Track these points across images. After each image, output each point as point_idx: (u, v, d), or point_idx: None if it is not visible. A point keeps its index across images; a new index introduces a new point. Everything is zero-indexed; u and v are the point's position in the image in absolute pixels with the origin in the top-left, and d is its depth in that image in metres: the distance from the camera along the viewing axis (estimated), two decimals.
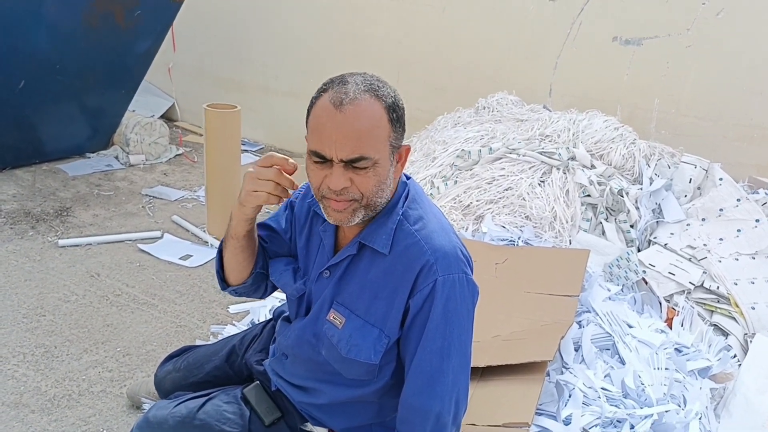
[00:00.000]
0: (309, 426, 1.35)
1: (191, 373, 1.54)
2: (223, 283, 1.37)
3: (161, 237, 3.12)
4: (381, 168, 1.08)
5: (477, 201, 2.49)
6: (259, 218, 1.29)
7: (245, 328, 2.07)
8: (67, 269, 2.77)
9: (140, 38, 3.75)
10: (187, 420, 1.31)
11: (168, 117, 4.95)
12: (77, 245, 2.98)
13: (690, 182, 2.64)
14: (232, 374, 1.52)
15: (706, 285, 2.30)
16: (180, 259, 2.92)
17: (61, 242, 2.97)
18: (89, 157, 4.09)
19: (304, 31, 4.46)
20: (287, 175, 1.17)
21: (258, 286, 1.37)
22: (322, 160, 1.07)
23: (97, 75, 3.73)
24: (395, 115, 1.09)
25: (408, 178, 1.23)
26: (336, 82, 1.08)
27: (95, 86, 3.79)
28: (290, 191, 1.19)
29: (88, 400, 2.02)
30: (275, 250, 1.36)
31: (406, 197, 1.19)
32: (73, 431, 1.89)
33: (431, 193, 2.71)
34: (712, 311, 2.25)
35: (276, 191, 1.16)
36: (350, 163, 1.06)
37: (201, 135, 4.73)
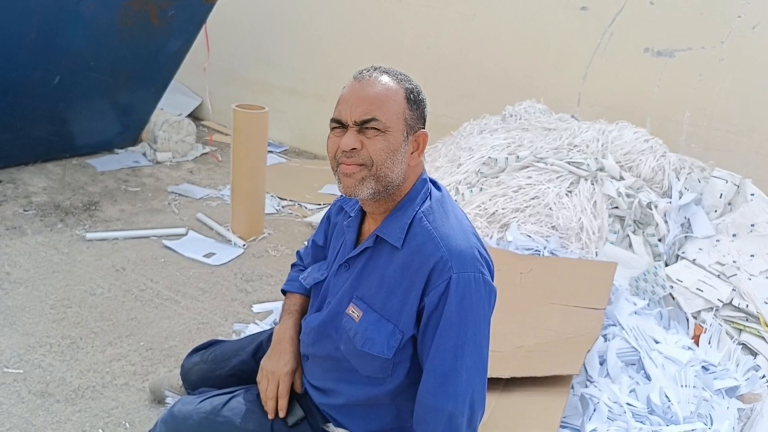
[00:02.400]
0: (331, 427, 1.35)
1: (218, 366, 1.55)
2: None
3: (186, 234, 3.16)
4: (392, 137, 1.15)
5: (503, 209, 2.48)
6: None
7: (268, 327, 2.09)
8: (93, 262, 2.82)
9: (172, 38, 3.81)
10: (210, 416, 1.32)
11: (195, 116, 5.02)
12: (104, 239, 3.03)
13: (720, 197, 2.59)
14: (258, 371, 1.53)
15: (734, 303, 2.25)
16: (204, 256, 2.95)
17: (89, 236, 3.02)
18: (118, 153, 4.16)
19: (332, 35, 4.49)
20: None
21: None
22: (339, 125, 1.17)
23: (129, 72, 3.80)
24: (412, 97, 1.18)
25: (436, 184, 1.27)
26: (363, 68, 1.22)
27: (127, 83, 3.85)
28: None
29: (111, 392, 2.05)
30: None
31: (429, 196, 1.22)
32: (95, 422, 1.91)
33: (456, 200, 2.70)
34: (741, 330, 2.20)
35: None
36: (363, 126, 1.14)
37: (227, 135, 4.79)
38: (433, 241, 1.15)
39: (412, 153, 1.19)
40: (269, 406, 1.32)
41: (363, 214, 1.31)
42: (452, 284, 1.12)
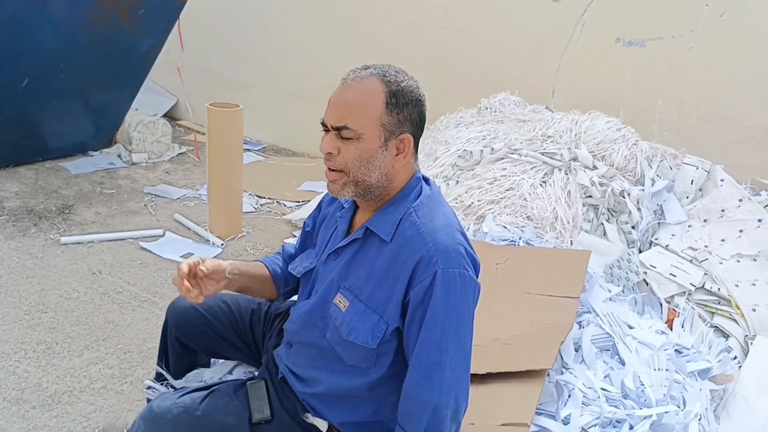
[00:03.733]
0: (309, 417, 1.36)
1: (213, 300, 1.53)
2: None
3: (163, 235, 3.13)
4: (365, 144, 1.16)
5: (478, 201, 2.49)
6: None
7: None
8: (68, 266, 2.78)
9: (144, 37, 3.76)
10: (190, 410, 1.32)
11: (170, 116, 4.96)
12: (79, 243, 2.99)
13: (692, 184, 2.64)
14: (248, 328, 1.55)
15: (707, 287, 2.30)
16: (181, 257, 2.93)
17: (63, 240, 2.98)
18: (92, 155, 4.10)
19: (308, 32, 4.47)
20: (186, 282, 1.25)
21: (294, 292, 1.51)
22: (324, 127, 1.20)
23: (100, 73, 3.74)
24: (395, 100, 1.16)
25: (427, 179, 1.29)
26: (360, 66, 1.21)
27: (98, 85, 3.80)
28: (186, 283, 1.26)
29: (89, 397, 2.03)
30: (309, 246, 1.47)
31: (421, 193, 1.24)
32: (73, 427, 1.90)
33: None
34: (713, 313, 2.25)
35: (186, 295, 1.27)
36: (338, 131, 1.16)
37: (203, 134, 4.74)
38: (421, 237, 1.17)
39: (396, 156, 1.19)
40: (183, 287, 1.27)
41: (356, 206, 1.33)
42: (438, 279, 1.14)
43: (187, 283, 1.26)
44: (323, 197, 1.45)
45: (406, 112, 1.18)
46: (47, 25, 3.29)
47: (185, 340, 1.56)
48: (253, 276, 1.43)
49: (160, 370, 1.60)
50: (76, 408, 1.97)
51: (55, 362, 2.17)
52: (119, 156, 4.13)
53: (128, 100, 4.08)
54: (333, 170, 1.19)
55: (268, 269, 1.47)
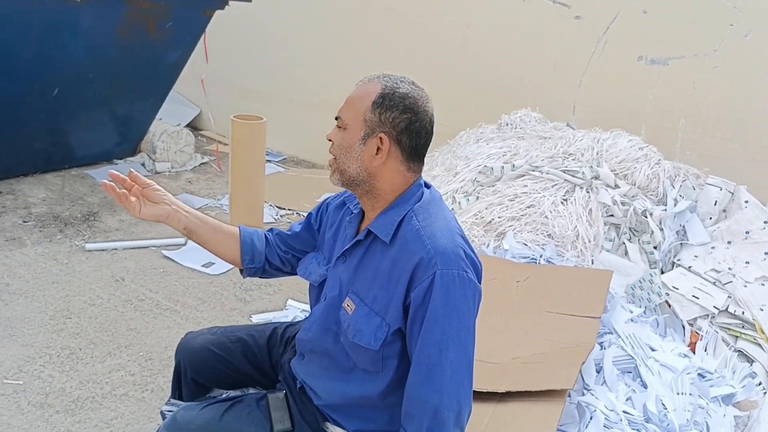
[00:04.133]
0: (329, 427, 1.37)
1: (227, 337, 1.54)
2: (241, 271, 1.53)
3: (185, 244, 3.17)
4: (347, 135, 1.25)
5: (499, 217, 2.50)
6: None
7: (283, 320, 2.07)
8: (93, 273, 2.83)
9: (170, 49, 3.84)
10: (213, 421, 1.34)
11: (193, 126, 5.04)
12: (103, 250, 3.04)
13: (715, 204, 2.61)
14: (266, 355, 1.54)
15: (730, 310, 2.27)
16: (202, 266, 2.97)
17: (88, 246, 3.04)
18: (117, 164, 4.18)
19: (330, 45, 4.52)
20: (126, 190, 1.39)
21: (263, 274, 1.52)
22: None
23: (127, 84, 3.82)
24: (381, 101, 1.22)
25: (428, 186, 1.32)
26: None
27: (125, 95, 3.88)
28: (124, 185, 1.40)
29: (110, 403, 2.05)
30: (298, 246, 1.49)
31: (421, 197, 1.27)
32: None
33: (452, 208, 2.72)
34: (737, 337, 2.21)
35: (125, 203, 1.38)
36: (337, 120, 1.27)
37: (225, 144, 4.81)
38: (420, 239, 1.20)
39: (375, 155, 1.23)
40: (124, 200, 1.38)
41: (363, 213, 1.36)
42: (437, 280, 1.16)
43: (126, 191, 1.37)
44: (331, 199, 1.47)
45: (390, 114, 1.22)
46: (79, 36, 3.38)
47: (201, 380, 1.56)
48: (209, 224, 1.45)
49: (178, 402, 1.59)
50: (98, 414, 2.00)
51: (79, 368, 2.21)
52: (143, 164, 4.20)
53: (153, 110, 4.16)
54: (331, 155, 1.29)
55: (240, 234, 1.47)
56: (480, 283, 1.24)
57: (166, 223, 1.41)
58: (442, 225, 1.23)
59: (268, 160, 4.48)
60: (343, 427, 1.36)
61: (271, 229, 1.54)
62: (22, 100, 3.41)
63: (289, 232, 1.51)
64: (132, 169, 1.39)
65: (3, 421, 1.92)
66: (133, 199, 1.38)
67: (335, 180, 1.29)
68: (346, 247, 1.32)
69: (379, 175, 1.26)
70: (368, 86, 1.25)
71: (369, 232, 1.28)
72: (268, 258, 1.48)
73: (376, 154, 1.23)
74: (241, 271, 1.50)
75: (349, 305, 1.28)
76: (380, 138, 1.23)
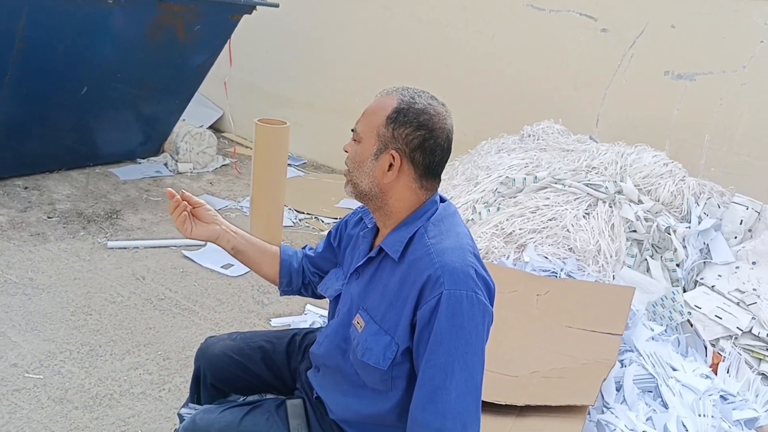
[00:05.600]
0: None
1: (246, 344, 1.55)
2: (280, 289, 1.56)
3: (205, 245, 3.20)
4: (360, 148, 1.24)
5: (520, 229, 2.48)
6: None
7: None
8: (114, 270, 2.87)
9: (198, 52, 3.89)
10: (232, 425, 1.34)
11: (216, 128, 5.09)
12: (125, 248, 3.08)
13: (741, 224, 2.57)
14: (285, 362, 1.54)
15: (754, 331, 2.23)
16: (222, 267, 2.99)
17: (110, 244, 3.08)
18: (140, 163, 4.24)
19: (351, 52, 4.55)
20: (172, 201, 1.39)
21: (307, 288, 1.56)
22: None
23: (154, 84, 3.88)
24: (395, 115, 1.21)
25: (444, 200, 1.30)
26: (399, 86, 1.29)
27: (151, 95, 3.94)
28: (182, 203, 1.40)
29: (128, 401, 2.07)
30: (324, 266, 1.51)
31: (434, 214, 1.25)
32: (112, 430, 1.94)
33: (472, 218, 2.71)
34: (761, 359, 2.17)
35: (176, 216, 1.39)
36: (353, 132, 1.26)
37: (247, 147, 4.85)
38: (429, 256, 1.17)
39: (387, 171, 1.21)
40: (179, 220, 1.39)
41: (377, 228, 1.35)
42: (443, 300, 1.13)
43: (183, 209, 1.38)
44: (349, 216, 1.48)
45: (404, 130, 1.19)
46: (109, 37, 3.44)
47: (220, 385, 1.57)
48: (255, 245, 1.48)
49: (195, 406, 1.60)
50: (115, 411, 2.02)
51: (98, 365, 2.23)
52: (165, 164, 4.25)
53: (178, 111, 4.22)
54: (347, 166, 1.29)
55: (281, 254, 1.51)
56: (492, 305, 1.20)
57: (216, 243, 1.44)
58: (453, 242, 1.20)
59: (289, 164, 4.50)
60: None
61: (304, 248, 1.56)
62: (51, 98, 3.47)
63: (313, 254, 1.53)
64: (184, 190, 1.40)
65: (23, 414, 1.95)
66: (186, 223, 1.40)
67: (349, 191, 1.29)
68: (359, 263, 1.31)
69: (391, 191, 1.24)
70: (385, 100, 1.24)
71: (380, 249, 1.27)
72: (303, 281, 1.52)
73: (388, 170, 1.21)
74: (278, 285, 1.54)
75: (359, 322, 1.26)
76: (392, 155, 1.20)
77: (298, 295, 1.56)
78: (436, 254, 1.17)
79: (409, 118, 1.20)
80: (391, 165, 1.21)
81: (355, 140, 1.25)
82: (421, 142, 1.20)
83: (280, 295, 1.56)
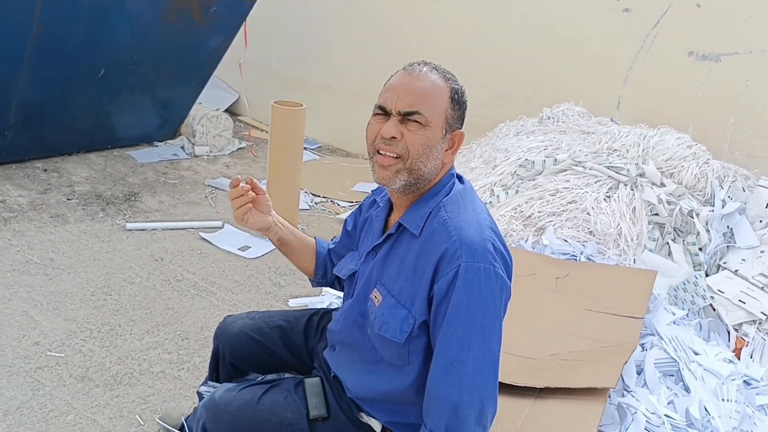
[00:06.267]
0: (363, 416, 1.37)
1: (265, 323, 1.56)
2: (311, 280, 1.57)
3: (222, 227, 3.21)
4: (431, 132, 1.18)
5: (539, 212, 2.45)
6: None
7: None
8: (133, 252, 2.89)
9: (213, 34, 3.87)
10: (251, 403, 1.35)
11: (231, 111, 5.09)
12: (143, 230, 3.10)
13: (766, 207, 2.51)
14: (303, 341, 1.55)
15: None
16: (239, 249, 3.00)
17: (129, 226, 3.10)
18: (157, 146, 4.25)
19: (368, 35, 4.50)
20: (237, 188, 1.35)
21: (332, 285, 1.56)
22: (383, 112, 1.20)
23: (170, 67, 3.88)
24: (456, 97, 1.21)
25: (461, 179, 1.30)
26: (411, 63, 1.24)
27: (168, 78, 3.94)
28: (248, 193, 1.36)
29: (148, 380, 2.10)
30: (342, 252, 1.51)
31: (452, 189, 1.25)
32: (132, 408, 1.96)
33: (490, 201, 2.68)
34: None
35: (238, 204, 1.35)
36: (405, 117, 1.17)
37: (263, 130, 4.85)
38: (446, 230, 1.17)
39: (446, 150, 1.23)
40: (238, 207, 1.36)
41: (390, 206, 1.35)
42: (461, 273, 1.12)
43: (249, 200, 1.35)
44: (364, 201, 1.48)
45: (462, 110, 1.23)
46: (125, 19, 3.43)
47: (239, 364, 1.58)
48: (297, 237, 1.49)
49: (215, 384, 1.61)
50: (135, 390, 2.05)
51: (118, 344, 2.26)
52: (182, 148, 4.26)
53: (194, 94, 4.21)
54: (388, 156, 1.18)
55: (317, 247, 1.52)
56: (510, 279, 1.19)
57: (265, 234, 1.44)
58: (470, 216, 1.19)
59: (305, 148, 4.49)
60: (376, 419, 1.35)
61: (333, 240, 1.57)
62: (69, 81, 3.48)
63: (334, 246, 1.53)
64: (252, 177, 1.38)
65: (46, 392, 1.98)
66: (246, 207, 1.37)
67: (398, 181, 1.19)
68: (377, 242, 1.30)
69: (443, 169, 1.25)
70: (432, 78, 1.20)
71: (399, 225, 1.26)
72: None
73: (447, 150, 1.23)
74: (312, 278, 1.56)
75: (376, 297, 1.26)
76: (459, 135, 1.23)
77: (330, 287, 1.56)
78: (454, 228, 1.17)
79: (462, 98, 1.23)
80: (450, 144, 1.23)
81: (418, 122, 1.16)
82: (465, 116, 1.25)
83: (313, 286, 1.57)
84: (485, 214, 1.23)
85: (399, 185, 1.20)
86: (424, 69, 1.21)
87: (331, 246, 1.54)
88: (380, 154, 1.19)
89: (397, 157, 1.18)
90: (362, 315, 1.31)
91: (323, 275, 1.53)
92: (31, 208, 3.18)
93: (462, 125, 1.25)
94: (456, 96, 1.21)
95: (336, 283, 1.55)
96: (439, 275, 1.15)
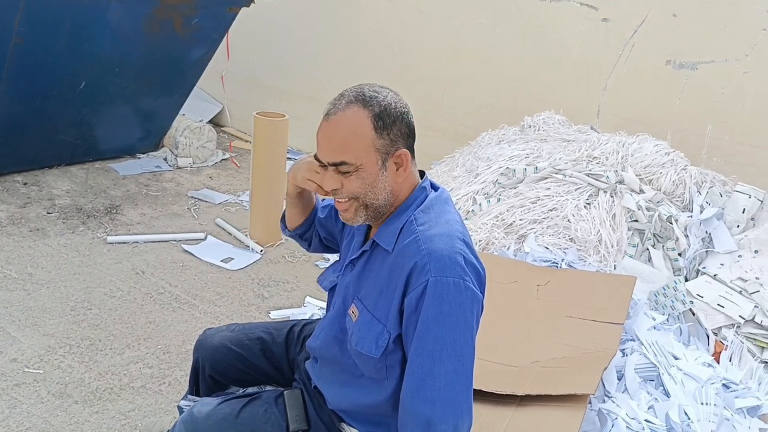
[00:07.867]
0: (344, 427, 1.36)
1: (245, 335, 1.55)
2: (283, 224, 1.57)
3: (204, 239, 3.19)
4: (366, 172, 1.17)
5: (520, 220, 2.47)
6: None
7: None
8: (114, 265, 2.86)
9: (196, 45, 3.87)
10: (230, 417, 1.34)
11: (215, 122, 5.08)
12: (125, 242, 3.08)
13: (743, 212, 2.55)
14: (284, 353, 1.54)
15: (757, 320, 2.21)
16: (222, 261, 2.98)
17: (110, 239, 3.07)
18: (139, 158, 4.23)
19: (352, 44, 4.52)
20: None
21: (305, 239, 1.57)
22: (321, 164, 1.22)
23: (152, 79, 3.86)
24: (382, 122, 1.17)
25: (436, 188, 1.29)
26: (337, 96, 1.22)
27: (150, 90, 3.92)
28: None
29: (128, 395, 2.07)
30: (325, 225, 1.53)
31: (423, 201, 1.24)
32: (112, 424, 1.94)
33: (472, 210, 2.70)
34: (763, 348, 2.16)
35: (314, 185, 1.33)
36: (336, 167, 1.18)
37: (247, 141, 4.84)
38: (416, 244, 1.17)
39: (397, 171, 1.21)
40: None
41: None
42: (429, 287, 1.12)
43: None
44: None
45: (395, 129, 1.18)
46: (107, 31, 3.41)
47: (219, 377, 1.57)
48: (313, 200, 1.52)
49: (194, 398, 1.60)
50: (115, 405, 2.02)
51: (98, 359, 2.23)
52: (165, 159, 4.24)
53: (177, 105, 4.20)
54: (341, 202, 1.22)
55: (315, 209, 1.53)
56: (483, 291, 1.19)
57: (301, 186, 1.38)
58: (442, 229, 1.19)
59: (289, 158, 4.49)
60: (356, 429, 1.34)
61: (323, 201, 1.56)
62: (49, 93, 3.45)
63: (320, 214, 1.53)
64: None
65: (23, 409, 1.95)
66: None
67: (360, 218, 1.22)
68: (353, 256, 1.31)
69: (401, 189, 1.24)
70: (348, 116, 1.16)
71: (374, 242, 1.26)
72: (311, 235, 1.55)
73: (397, 170, 1.21)
74: (284, 228, 1.57)
75: (354, 312, 1.26)
76: (400, 155, 1.20)
77: (297, 239, 1.57)
78: (424, 241, 1.17)
79: (391, 117, 1.18)
80: (398, 165, 1.21)
81: (348, 173, 1.17)
82: (407, 130, 1.22)
83: (284, 233, 1.57)
84: (458, 225, 1.23)
85: (362, 221, 1.24)
86: (342, 106, 1.18)
87: (321, 216, 1.54)
88: (336, 200, 1.23)
89: (350, 199, 1.21)
90: (342, 331, 1.31)
91: (301, 235, 1.54)
92: (9, 222, 3.14)
93: (404, 140, 1.20)
94: (381, 121, 1.16)
95: (304, 241, 1.56)
96: (409, 289, 1.16)
